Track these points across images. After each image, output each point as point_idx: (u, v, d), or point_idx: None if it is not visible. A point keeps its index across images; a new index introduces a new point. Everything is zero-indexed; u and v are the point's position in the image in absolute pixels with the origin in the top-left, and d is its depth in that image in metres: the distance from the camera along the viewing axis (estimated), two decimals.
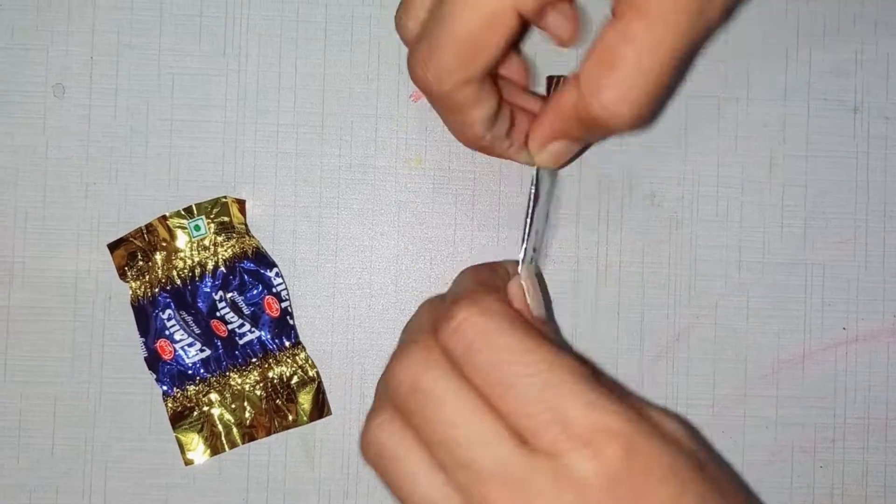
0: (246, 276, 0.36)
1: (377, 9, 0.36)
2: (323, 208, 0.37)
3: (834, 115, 0.37)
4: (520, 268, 0.30)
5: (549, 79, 0.35)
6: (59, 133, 0.36)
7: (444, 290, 0.36)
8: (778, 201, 0.37)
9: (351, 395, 0.36)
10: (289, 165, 0.36)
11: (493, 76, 0.29)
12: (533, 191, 0.30)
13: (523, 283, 0.29)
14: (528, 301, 0.29)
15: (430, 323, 0.27)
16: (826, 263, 0.37)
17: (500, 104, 0.29)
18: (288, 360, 0.36)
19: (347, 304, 0.36)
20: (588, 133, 0.28)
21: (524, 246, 0.30)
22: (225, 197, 0.36)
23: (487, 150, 0.31)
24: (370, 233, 0.37)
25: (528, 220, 0.30)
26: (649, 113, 0.26)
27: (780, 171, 0.37)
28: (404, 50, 0.31)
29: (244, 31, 0.36)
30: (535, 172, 0.30)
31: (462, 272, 0.32)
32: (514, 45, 0.29)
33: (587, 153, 0.36)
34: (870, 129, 0.37)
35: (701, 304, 0.37)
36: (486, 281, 0.29)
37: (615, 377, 0.36)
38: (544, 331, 0.28)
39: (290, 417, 0.36)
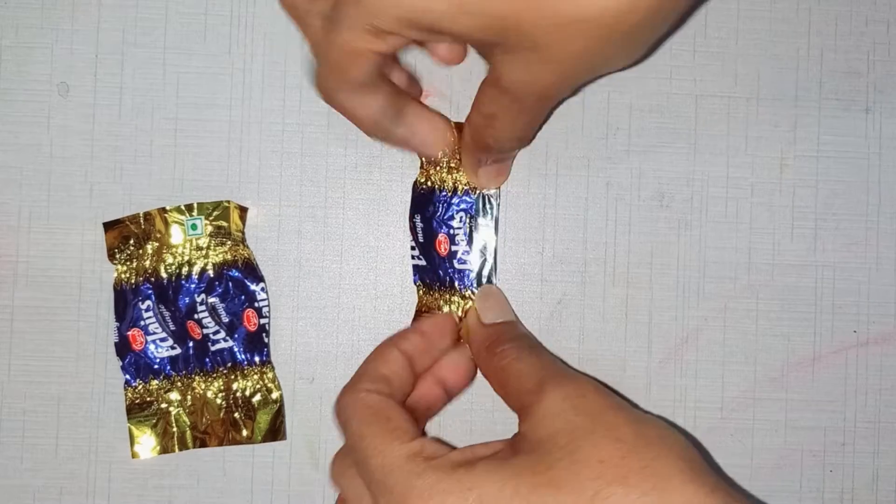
0: (231, 285, 0.35)
1: None
2: (328, 208, 0.36)
3: (845, 116, 0.37)
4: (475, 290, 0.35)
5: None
6: (63, 132, 0.36)
7: None
8: (788, 202, 0.37)
9: None
10: (294, 165, 0.36)
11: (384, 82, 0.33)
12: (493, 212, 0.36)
13: (476, 303, 0.35)
14: (482, 317, 0.34)
15: (378, 370, 0.32)
16: (837, 265, 0.37)
17: (390, 103, 0.33)
18: (255, 376, 0.36)
19: (353, 305, 0.36)
20: (494, 155, 0.34)
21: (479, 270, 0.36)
22: (228, 202, 0.36)
23: (388, 142, 0.35)
24: (376, 233, 0.36)
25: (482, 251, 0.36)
26: (530, 137, 0.34)
27: (791, 172, 0.37)
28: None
29: (249, 29, 0.36)
30: (484, 197, 0.35)
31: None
32: (393, 60, 0.34)
33: (593, 154, 0.36)
34: (881, 129, 0.37)
35: (710, 307, 0.36)
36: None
37: (623, 380, 0.36)
38: (506, 332, 0.33)
39: (245, 433, 0.36)
